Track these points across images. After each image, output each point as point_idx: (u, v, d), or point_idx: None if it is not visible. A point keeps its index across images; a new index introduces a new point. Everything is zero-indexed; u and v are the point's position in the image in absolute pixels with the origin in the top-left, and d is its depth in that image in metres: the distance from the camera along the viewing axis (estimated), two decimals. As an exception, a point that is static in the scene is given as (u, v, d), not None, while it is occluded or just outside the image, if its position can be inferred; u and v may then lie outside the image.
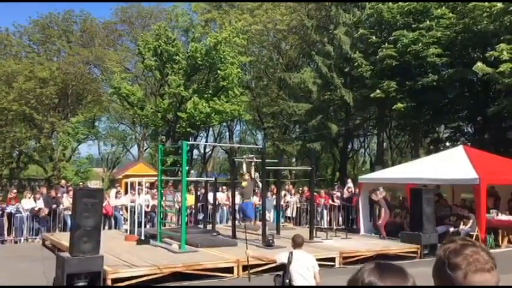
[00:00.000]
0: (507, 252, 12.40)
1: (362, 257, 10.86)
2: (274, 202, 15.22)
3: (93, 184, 32.13)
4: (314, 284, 5.83)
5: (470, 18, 21.49)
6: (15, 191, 16.27)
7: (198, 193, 16.48)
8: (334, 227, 15.47)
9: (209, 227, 14.44)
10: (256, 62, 35.97)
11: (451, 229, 13.53)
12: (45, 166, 35.20)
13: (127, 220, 14.91)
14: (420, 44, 21.87)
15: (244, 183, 13.27)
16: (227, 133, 43.88)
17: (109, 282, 8.21)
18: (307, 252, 6.32)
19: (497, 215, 14.03)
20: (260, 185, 12.55)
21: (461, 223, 13.57)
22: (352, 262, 10.58)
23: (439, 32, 21.95)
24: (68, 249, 8.73)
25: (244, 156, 13.49)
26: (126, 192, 17.00)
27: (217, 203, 16.09)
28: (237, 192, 14.06)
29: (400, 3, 23.15)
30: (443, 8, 22.35)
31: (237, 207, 14.15)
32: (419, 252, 11.64)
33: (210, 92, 27.84)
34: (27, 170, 39.49)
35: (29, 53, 35.50)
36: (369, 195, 14.77)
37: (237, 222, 13.54)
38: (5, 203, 14.58)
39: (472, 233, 12.67)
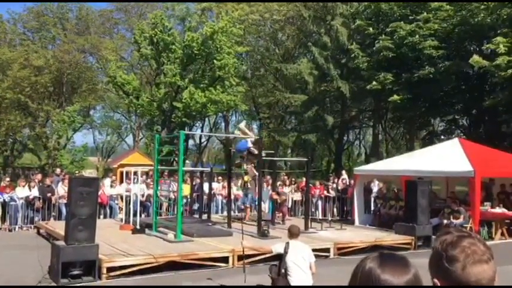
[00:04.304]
0: (500, 244, 12.51)
1: (356, 248, 10.93)
2: (270, 193, 15.24)
3: (88, 173, 32.04)
4: (310, 274, 5.87)
5: (467, 10, 21.49)
6: (8, 179, 16.22)
7: (194, 183, 16.47)
8: (329, 218, 15.53)
9: (204, 217, 14.47)
10: (253, 52, 35.85)
11: (445, 221, 13.63)
12: (39, 154, 35.06)
13: (122, 209, 14.91)
14: (417, 36, 21.87)
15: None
16: (223, 123, 43.85)
17: (104, 271, 8.23)
18: (303, 243, 6.35)
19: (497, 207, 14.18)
20: (256, 174, 12.57)
21: (451, 217, 13.66)
22: (346, 253, 10.65)
23: (436, 25, 21.95)
24: (63, 237, 8.73)
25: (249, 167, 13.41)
26: (121, 182, 16.97)
27: (212, 193, 16.12)
28: (232, 184, 14.13)
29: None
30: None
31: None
32: (413, 243, 11.73)
33: (206, 81, 27.73)
34: (21, 158, 39.31)
35: (23, 41, 35.18)
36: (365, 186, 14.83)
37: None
38: (-1, 190, 14.54)
39: (465, 225, 12.76)
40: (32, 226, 14.31)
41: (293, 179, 19.81)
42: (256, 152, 12.11)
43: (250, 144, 12.18)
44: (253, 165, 12.74)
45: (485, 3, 20.74)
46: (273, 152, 20.73)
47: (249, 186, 15.08)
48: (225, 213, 14.44)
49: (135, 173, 14.33)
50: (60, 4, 36.83)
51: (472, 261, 1.36)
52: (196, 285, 8.09)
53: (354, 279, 1.38)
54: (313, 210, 17.15)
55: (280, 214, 14.34)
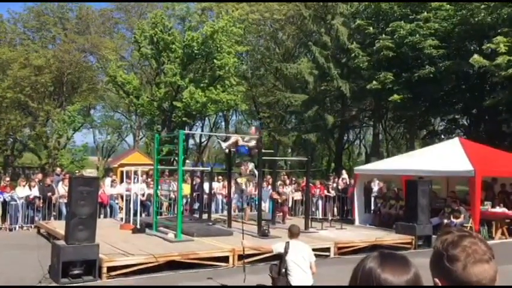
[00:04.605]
0: (500, 244, 12.51)
1: (357, 247, 10.93)
2: (270, 192, 15.27)
3: (88, 173, 32.06)
4: (310, 274, 5.88)
5: (467, 10, 21.47)
6: (8, 178, 16.22)
7: (194, 183, 16.47)
8: (329, 218, 15.53)
9: (205, 216, 14.47)
10: (253, 52, 35.85)
11: (445, 221, 13.63)
12: (39, 154, 35.07)
13: (122, 209, 14.91)
14: (417, 36, 21.86)
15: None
16: (223, 123, 43.84)
17: (104, 271, 8.23)
18: (303, 242, 6.35)
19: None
20: (256, 173, 12.56)
21: (451, 216, 13.66)
22: (346, 253, 10.65)
23: (437, 24, 21.93)
24: (63, 237, 8.73)
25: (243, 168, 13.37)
26: (121, 181, 16.97)
27: (212, 192, 16.11)
28: (233, 183, 14.11)
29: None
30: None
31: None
32: (413, 243, 11.72)
33: (206, 81, 27.74)
34: (21, 158, 39.34)
35: (23, 40, 35.19)
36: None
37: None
38: (-1, 189, 14.55)
39: (465, 225, 12.76)
40: (32, 226, 14.31)
41: (293, 179, 19.80)
42: (254, 143, 12.10)
43: (248, 144, 12.14)
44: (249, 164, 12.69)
45: (485, 2, 20.73)
46: (273, 151, 20.72)
47: (243, 187, 14.98)
48: (225, 212, 14.43)
49: (135, 173, 14.34)
50: (60, 4, 36.83)
51: (473, 260, 1.36)
52: (196, 286, 8.08)
53: (354, 279, 1.38)
54: (313, 209, 17.15)
55: (281, 214, 14.34)
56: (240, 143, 12.04)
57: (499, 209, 14.18)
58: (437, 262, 1.42)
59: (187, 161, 33.11)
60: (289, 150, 39.93)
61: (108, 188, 16.04)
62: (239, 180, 13.17)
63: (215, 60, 26.73)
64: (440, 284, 1.40)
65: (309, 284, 5.86)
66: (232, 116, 43.72)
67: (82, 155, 30.29)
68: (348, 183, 18.04)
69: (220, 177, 18.63)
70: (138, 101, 28.29)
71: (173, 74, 26.66)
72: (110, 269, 8.34)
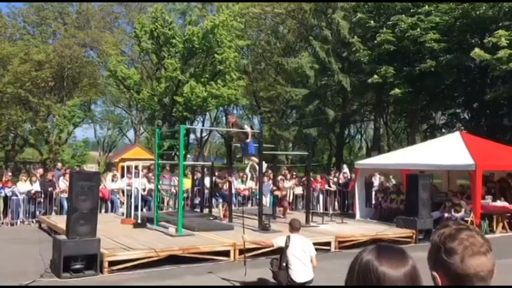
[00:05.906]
0: (501, 237, 12.52)
1: (357, 241, 10.95)
2: (271, 187, 15.27)
3: (89, 168, 32.09)
4: (311, 268, 5.90)
5: (469, 3, 21.39)
6: (10, 173, 16.25)
7: (195, 177, 16.46)
8: (330, 212, 15.54)
9: (206, 211, 14.48)
10: (254, 46, 35.77)
11: (446, 215, 13.63)
12: (40, 149, 35.12)
13: (123, 204, 14.93)
14: (418, 29, 21.79)
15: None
16: (224, 118, 43.82)
17: (106, 265, 8.25)
18: (304, 237, 6.37)
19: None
20: (257, 167, 12.56)
21: (452, 210, 13.67)
22: (347, 247, 10.66)
23: (438, 18, 21.86)
24: (64, 231, 8.75)
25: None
26: (122, 176, 16.99)
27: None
28: (234, 178, 14.09)
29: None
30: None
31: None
32: (414, 237, 11.74)
33: (206, 76, 27.71)
34: (22, 153, 39.39)
35: (24, 35, 35.12)
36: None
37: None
38: (1, 183, 14.56)
39: (466, 219, 12.76)
40: (34, 220, 14.35)
41: (294, 173, 19.80)
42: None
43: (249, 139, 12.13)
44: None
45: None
46: (274, 146, 20.72)
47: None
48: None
49: (136, 168, 14.33)
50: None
51: (470, 253, 1.37)
52: (197, 286, 8.10)
53: (352, 272, 1.38)
54: (314, 204, 17.16)
55: (281, 208, 14.35)
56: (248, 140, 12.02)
57: (499, 203, 14.18)
58: (435, 255, 1.42)
59: (188, 155, 33.14)
60: (290, 145, 39.92)
61: (109, 183, 16.07)
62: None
63: (216, 55, 26.68)
64: (438, 277, 1.41)
65: (310, 277, 5.88)
66: (233, 111, 43.70)
67: (83, 150, 30.29)
68: (349, 177, 18.05)
69: (221, 171, 18.62)
70: (139, 95, 28.28)
71: (174, 68, 26.62)
72: (111, 263, 8.36)
